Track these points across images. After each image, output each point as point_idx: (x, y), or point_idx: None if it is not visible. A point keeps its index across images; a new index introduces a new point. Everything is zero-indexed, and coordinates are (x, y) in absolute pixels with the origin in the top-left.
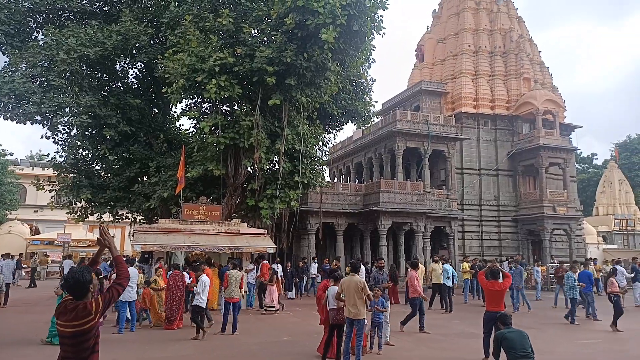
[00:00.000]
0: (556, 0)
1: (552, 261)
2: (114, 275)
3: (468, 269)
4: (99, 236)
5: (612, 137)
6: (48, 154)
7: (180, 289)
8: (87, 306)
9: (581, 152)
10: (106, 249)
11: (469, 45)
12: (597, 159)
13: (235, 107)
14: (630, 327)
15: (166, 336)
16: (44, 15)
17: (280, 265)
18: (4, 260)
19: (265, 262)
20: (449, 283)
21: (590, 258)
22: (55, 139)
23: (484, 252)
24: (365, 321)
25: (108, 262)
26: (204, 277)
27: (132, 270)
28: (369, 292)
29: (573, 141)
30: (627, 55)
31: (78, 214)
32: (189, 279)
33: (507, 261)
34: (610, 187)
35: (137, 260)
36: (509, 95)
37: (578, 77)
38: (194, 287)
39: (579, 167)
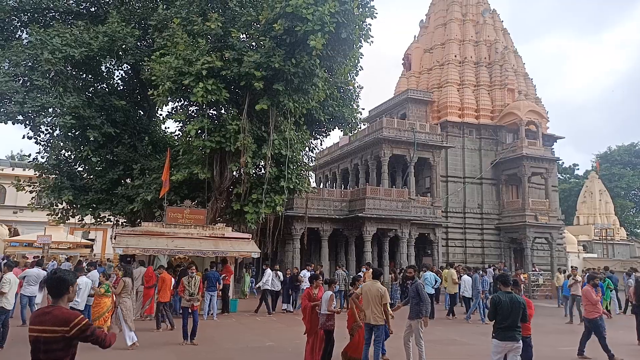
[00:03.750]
0: (539, 14)
1: (533, 269)
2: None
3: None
4: None
5: (593, 148)
6: (29, 155)
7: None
8: (70, 317)
9: (563, 163)
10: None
11: (455, 56)
12: (578, 169)
13: (222, 111)
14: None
15: (145, 341)
16: (28, 14)
17: (279, 272)
18: None
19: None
20: (431, 291)
21: (572, 267)
22: (37, 139)
23: (467, 259)
24: (387, 328)
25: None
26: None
27: (94, 274)
28: (389, 300)
29: (555, 151)
30: (606, 68)
31: (59, 215)
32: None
33: (490, 268)
34: (590, 197)
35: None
36: (494, 106)
37: (560, 88)
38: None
39: (561, 177)
